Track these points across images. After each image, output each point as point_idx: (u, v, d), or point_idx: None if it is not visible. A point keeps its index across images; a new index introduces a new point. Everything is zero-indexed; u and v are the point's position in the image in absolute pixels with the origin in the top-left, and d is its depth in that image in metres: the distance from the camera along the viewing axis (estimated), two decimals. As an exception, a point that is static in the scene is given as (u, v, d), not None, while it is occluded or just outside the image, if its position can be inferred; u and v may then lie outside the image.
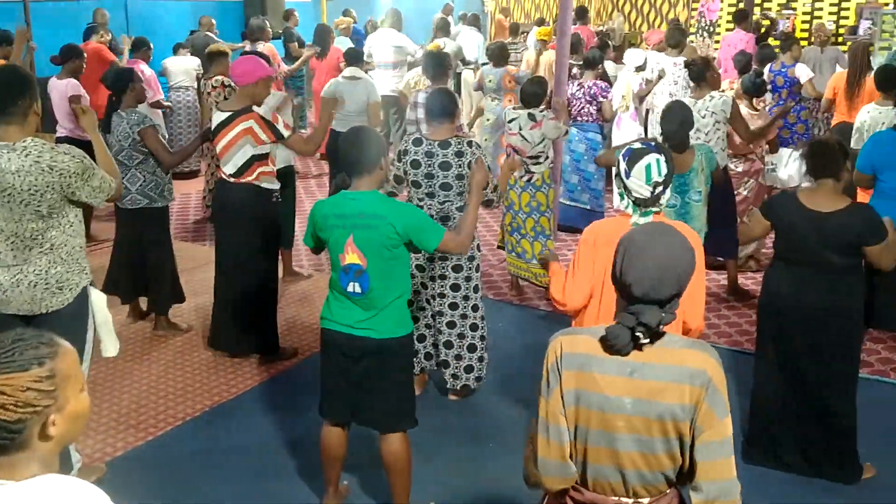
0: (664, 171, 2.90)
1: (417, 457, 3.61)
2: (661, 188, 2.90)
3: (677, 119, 4.70)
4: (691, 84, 6.49)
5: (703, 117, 5.95)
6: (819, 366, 3.84)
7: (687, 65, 6.36)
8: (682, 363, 2.02)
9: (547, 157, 5.99)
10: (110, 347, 3.68)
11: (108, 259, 5.64)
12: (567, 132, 6.25)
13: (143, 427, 4.42)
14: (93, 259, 6.70)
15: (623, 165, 2.94)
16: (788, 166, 8.12)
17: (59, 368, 1.61)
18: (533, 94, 6.00)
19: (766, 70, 8.13)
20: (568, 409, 2.10)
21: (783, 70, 8.03)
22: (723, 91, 6.85)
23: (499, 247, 6.78)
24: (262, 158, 4.79)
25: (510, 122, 5.92)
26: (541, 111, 5.91)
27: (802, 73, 8.01)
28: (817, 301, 3.76)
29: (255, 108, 4.74)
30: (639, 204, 2.94)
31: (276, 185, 4.99)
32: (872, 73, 7.49)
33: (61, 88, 6.98)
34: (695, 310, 2.95)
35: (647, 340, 2.01)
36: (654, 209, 2.95)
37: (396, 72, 9.59)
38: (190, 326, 5.62)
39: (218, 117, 4.80)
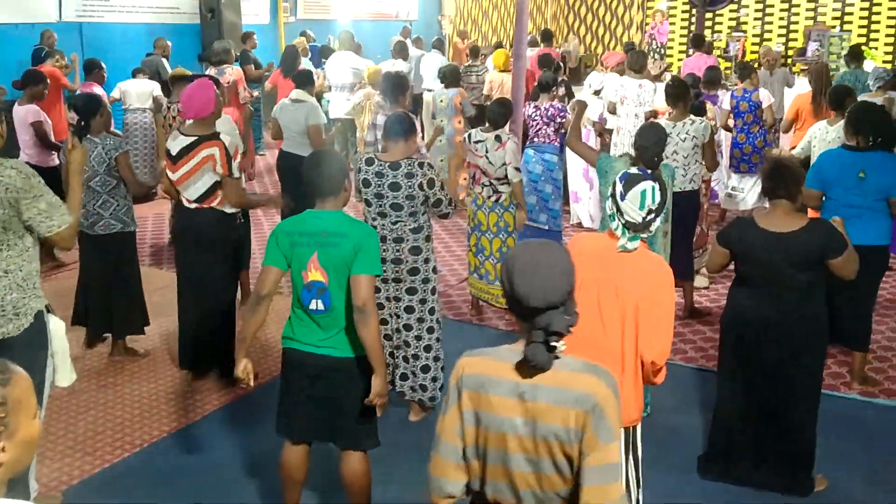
0: (658, 199, 2.99)
1: (377, 477, 3.62)
2: (653, 215, 3.00)
3: (653, 137, 4.81)
4: (668, 106, 6.51)
5: (683, 140, 6.02)
6: (785, 382, 3.90)
7: (668, 85, 6.42)
8: (570, 387, 2.05)
9: (511, 181, 6.04)
10: (65, 377, 3.62)
11: (73, 284, 5.57)
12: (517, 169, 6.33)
13: (99, 454, 4.36)
14: (57, 283, 6.69)
15: (619, 188, 3.03)
16: (754, 191, 8.30)
17: (11, 395, 1.60)
18: (500, 114, 6.06)
19: (728, 96, 8.29)
20: (468, 429, 2.17)
21: (746, 95, 8.21)
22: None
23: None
24: (221, 185, 4.80)
25: (476, 143, 5.96)
26: (507, 133, 5.98)
27: (766, 97, 8.22)
28: (785, 319, 3.82)
29: (222, 136, 4.75)
30: (629, 227, 3.00)
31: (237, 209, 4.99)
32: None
33: (21, 114, 6.91)
34: (654, 339, 2.95)
35: (563, 347, 2.05)
36: (643, 235, 3.02)
37: (354, 94, 9.63)
38: (147, 351, 5.56)
39: (181, 141, 4.78)
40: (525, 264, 2.09)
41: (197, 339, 5.04)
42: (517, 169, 5.88)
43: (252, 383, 3.46)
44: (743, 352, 3.97)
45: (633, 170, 3.11)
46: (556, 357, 2.07)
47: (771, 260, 3.80)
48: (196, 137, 4.75)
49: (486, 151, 5.88)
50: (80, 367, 5.30)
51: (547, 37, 12.35)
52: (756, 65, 10.39)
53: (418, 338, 4.61)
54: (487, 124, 6.09)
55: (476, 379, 2.15)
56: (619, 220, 3.02)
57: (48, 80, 7.39)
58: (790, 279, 3.79)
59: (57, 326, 3.56)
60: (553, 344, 2.04)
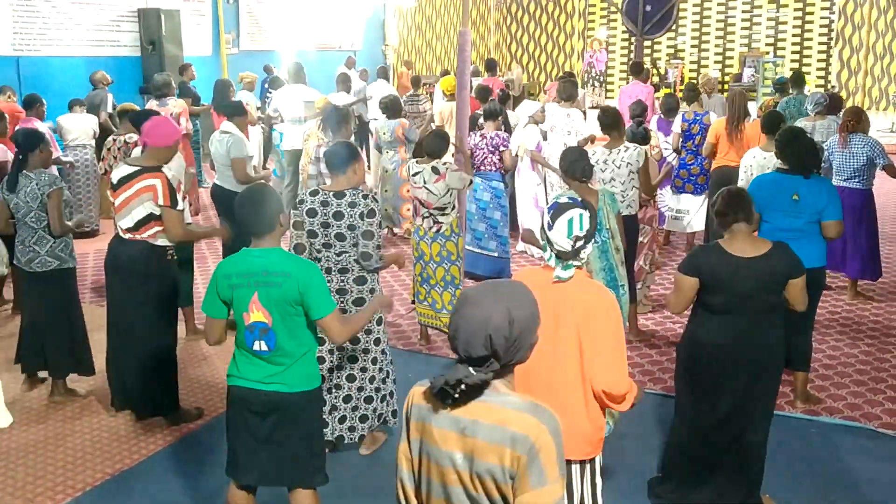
0: (586, 226, 2.97)
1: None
2: (581, 242, 2.96)
3: (574, 154, 4.89)
4: (601, 134, 6.61)
5: (619, 167, 6.10)
6: (746, 406, 3.92)
7: (601, 114, 6.53)
8: (508, 425, 2.02)
9: (454, 208, 6.08)
10: (1, 419, 3.51)
11: (15, 325, 5.44)
12: (471, 182, 6.36)
13: (39, 500, 4.21)
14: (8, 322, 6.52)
15: (547, 218, 3.01)
16: (699, 214, 8.45)
17: None
18: (436, 146, 6.11)
19: (679, 119, 8.46)
20: (415, 458, 2.18)
21: (698, 118, 8.40)
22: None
23: (412, 301, 6.82)
24: (159, 217, 4.72)
25: (414, 175, 5.99)
26: (443, 164, 6.01)
27: (714, 119, 8.42)
28: (749, 344, 3.84)
29: (164, 168, 4.69)
30: (560, 257, 3.01)
31: (168, 243, 4.89)
32: (750, 118, 7.96)
33: None
34: (600, 368, 2.91)
35: (456, 396, 2.03)
36: (576, 263, 3.01)
37: (307, 126, 9.61)
38: (88, 392, 5.42)
39: (123, 170, 4.71)
40: (459, 309, 2.10)
41: (129, 380, 4.89)
42: (468, 182, 6.06)
43: None
44: (706, 378, 3.96)
45: (563, 199, 3.07)
46: (454, 401, 2.05)
47: (741, 285, 3.81)
48: (139, 168, 4.69)
49: (425, 182, 5.91)
50: (20, 410, 5.16)
51: (490, 66, 12.53)
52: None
53: (363, 370, 4.58)
54: (425, 155, 6.13)
55: (422, 409, 2.14)
56: (551, 250, 3.03)
57: (7, 117, 7.25)
58: (758, 303, 3.83)
59: None
60: (446, 389, 2.03)
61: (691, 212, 8.58)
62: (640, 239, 6.79)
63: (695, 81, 14.47)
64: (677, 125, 8.48)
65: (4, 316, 6.96)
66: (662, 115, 8.84)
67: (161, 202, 4.66)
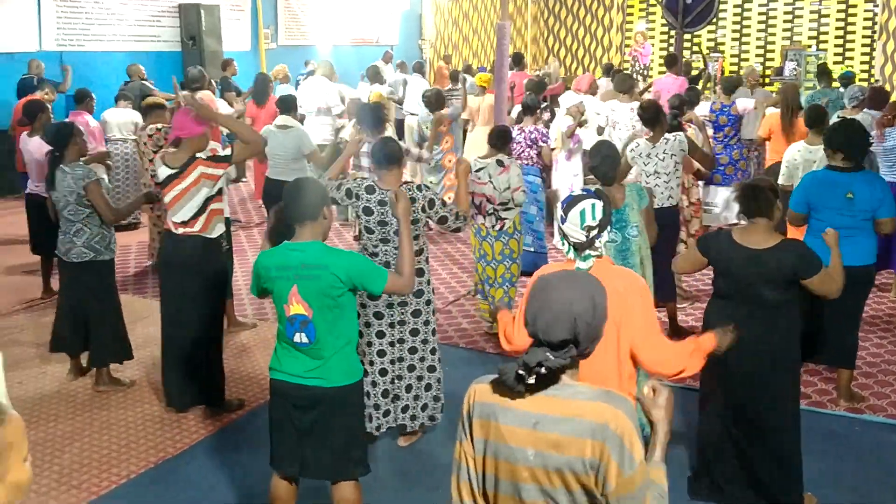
0: (598, 215, 2.97)
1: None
2: (595, 232, 2.98)
3: (601, 154, 4.86)
4: (644, 128, 6.57)
5: (663, 160, 6.06)
6: (760, 399, 3.92)
7: (641, 110, 6.48)
8: (583, 416, 2.01)
9: (517, 204, 6.08)
10: None
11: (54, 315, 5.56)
12: (525, 192, 6.40)
13: (85, 486, 4.30)
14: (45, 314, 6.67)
15: (560, 212, 3.03)
16: (730, 207, 8.36)
17: (4, 437, 1.58)
18: (500, 139, 6.14)
19: (707, 110, 8.37)
20: (478, 458, 2.15)
21: (725, 109, 8.30)
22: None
23: (475, 294, 6.90)
24: (217, 196, 4.84)
25: (478, 171, 5.98)
26: (507, 157, 6.03)
27: (744, 104, 8.30)
28: (755, 336, 3.83)
29: (198, 155, 4.76)
30: (576, 248, 3.01)
31: (224, 228, 5.00)
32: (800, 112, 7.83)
33: (34, 146, 6.84)
34: (650, 352, 2.99)
35: (531, 381, 2.01)
36: (593, 253, 3.02)
37: (328, 119, 9.68)
38: (132, 381, 5.52)
39: (164, 172, 4.77)
40: (540, 294, 2.09)
41: (183, 373, 4.99)
42: (523, 191, 6.06)
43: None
44: (719, 370, 3.96)
45: (577, 191, 3.12)
46: (528, 386, 2.03)
47: (744, 275, 3.84)
48: (178, 168, 4.74)
49: (490, 177, 5.91)
50: (65, 398, 5.27)
51: (518, 60, 12.46)
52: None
53: (422, 359, 4.62)
54: (486, 151, 6.15)
55: (486, 407, 2.12)
56: (567, 242, 3.04)
57: (49, 109, 7.39)
58: (762, 296, 3.83)
59: None
60: (521, 373, 2.02)
61: (720, 204, 8.47)
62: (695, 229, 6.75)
63: (733, 74, 14.30)
64: (702, 114, 8.38)
65: (48, 306, 7.09)
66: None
67: (221, 172, 4.77)
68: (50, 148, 6.71)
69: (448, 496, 3.70)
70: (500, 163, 5.96)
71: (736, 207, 7.59)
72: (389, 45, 17.73)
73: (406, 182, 4.46)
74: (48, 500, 4.18)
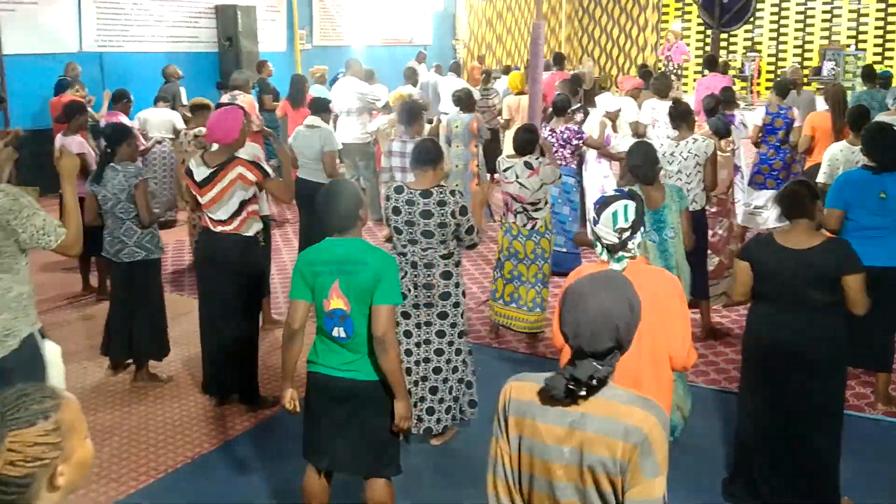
0: (631, 216, 2.97)
1: (400, 503, 3.62)
2: (627, 234, 2.97)
3: (641, 153, 4.85)
4: (672, 126, 6.54)
5: (686, 159, 6.03)
6: (804, 403, 3.86)
7: (671, 108, 6.46)
8: (619, 418, 2.03)
9: (546, 203, 6.05)
10: None
11: (97, 311, 5.67)
12: (560, 175, 6.35)
13: (124, 480, 4.38)
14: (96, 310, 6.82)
15: (592, 213, 3.04)
16: (773, 209, 8.25)
17: (64, 419, 1.64)
18: (527, 141, 6.08)
19: (763, 113, 8.27)
20: (513, 454, 2.17)
21: (782, 112, 8.18)
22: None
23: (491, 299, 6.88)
24: (252, 198, 4.90)
25: (505, 170, 5.95)
26: (536, 158, 5.98)
27: (798, 117, 8.20)
28: (800, 339, 3.79)
29: (237, 154, 4.82)
30: (609, 250, 3.01)
31: (261, 226, 5.07)
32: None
33: (67, 144, 6.97)
34: (675, 344, 3.01)
35: (583, 393, 2.04)
36: (627, 255, 3.01)
37: (360, 118, 9.75)
38: (170, 377, 5.60)
39: (202, 172, 4.83)
40: (578, 304, 2.08)
41: (221, 366, 5.08)
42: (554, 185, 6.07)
43: (299, 409, 3.51)
44: (762, 373, 3.94)
45: (610, 192, 3.11)
46: (579, 395, 2.05)
47: (786, 277, 3.79)
48: (216, 168, 4.80)
49: (517, 177, 5.89)
50: (104, 393, 5.37)
51: (558, 60, 12.46)
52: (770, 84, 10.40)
53: (448, 361, 4.64)
54: (513, 151, 6.10)
55: (522, 405, 2.14)
56: (600, 244, 3.03)
57: (88, 110, 7.52)
58: (806, 297, 3.77)
59: (52, 351, 3.57)
60: (571, 387, 2.03)
61: (770, 207, 8.37)
62: (719, 231, 6.69)
63: (780, 74, 14.10)
64: (759, 118, 8.28)
65: (87, 303, 7.22)
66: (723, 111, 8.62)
67: (255, 179, 4.80)
68: (81, 151, 6.88)
69: (483, 493, 3.72)
70: (528, 165, 5.89)
71: (777, 211, 7.54)
72: (423, 45, 17.78)
73: (440, 185, 4.48)
74: (88, 492, 4.26)
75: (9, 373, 3.29)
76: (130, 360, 5.62)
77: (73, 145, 6.92)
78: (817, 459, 3.93)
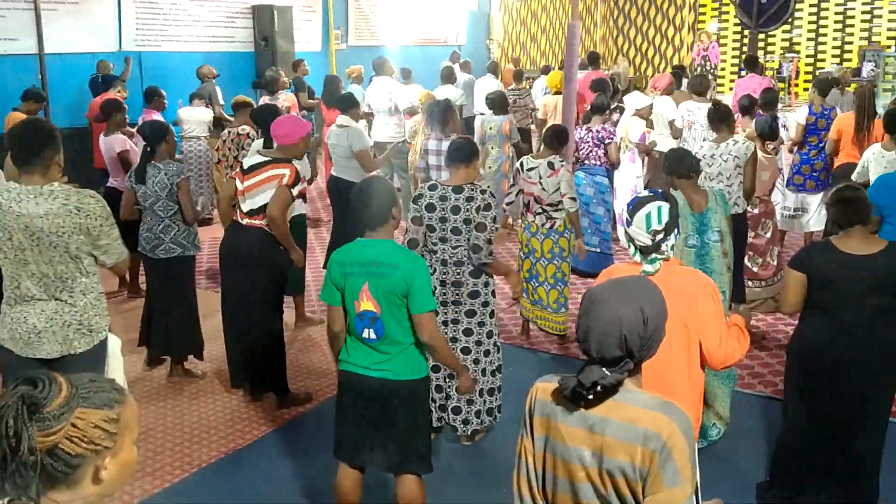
0: (665, 218, 2.94)
1: (431, 502, 3.63)
2: (661, 236, 2.94)
3: (679, 152, 4.83)
4: (711, 128, 6.45)
5: (726, 161, 5.95)
6: (858, 410, 3.81)
7: (711, 110, 6.38)
8: (639, 423, 2.01)
9: (567, 210, 6.02)
10: None
11: (133, 306, 5.76)
12: (574, 199, 6.33)
13: (159, 474, 4.44)
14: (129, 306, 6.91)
15: (626, 215, 3.01)
16: (820, 212, 8.11)
17: (125, 416, 1.67)
18: (556, 140, 6.08)
19: (806, 111, 8.14)
20: (538, 454, 2.17)
21: (826, 112, 8.06)
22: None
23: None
24: None
25: (529, 171, 5.95)
26: (560, 160, 5.97)
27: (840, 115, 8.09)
28: (861, 346, 3.72)
29: (294, 161, 4.89)
30: (642, 252, 2.99)
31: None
32: (878, 115, 7.59)
33: (109, 144, 7.11)
34: (711, 341, 2.98)
35: (590, 397, 2.02)
36: (660, 257, 2.99)
37: (394, 118, 9.78)
38: (204, 373, 5.67)
39: (255, 158, 4.92)
40: (589, 311, 2.08)
41: (243, 359, 5.13)
42: (573, 199, 5.89)
43: None
44: (814, 380, 3.86)
45: (643, 192, 3.08)
46: (588, 402, 2.04)
47: (851, 283, 3.69)
48: (270, 158, 4.91)
49: (540, 178, 5.89)
50: (141, 388, 5.44)
51: (594, 59, 12.41)
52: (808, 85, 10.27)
53: (476, 361, 4.63)
54: (541, 149, 6.10)
55: (547, 406, 2.15)
56: (633, 246, 3.01)
57: (125, 108, 7.63)
58: (869, 303, 3.70)
59: (113, 343, 3.71)
60: (578, 391, 2.03)
61: (810, 210, 8.22)
62: (762, 233, 6.62)
63: (820, 74, 13.93)
64: (802, 117, 8.14)
65: (122, 300, 7.32)
66: (760, 110, 8.51)
67: (283, 182, 4.83)
68: (123, 148, 6.98)
69: (506, 496, 3.72)
70: (550, 165, 5.88)
71: (823, 214, 7.43)
72: (457, 45, 17.79)
73: (472, 182, 4.49)
74: (125, 485, 4.32)
75: (80, 364, 3.43)
76: (165, 357, 5.70)
77: (116, 144, 7.04)
78: (861, 465, 3.88)
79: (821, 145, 8.05)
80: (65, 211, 3.35)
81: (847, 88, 10.76)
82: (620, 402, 2.06)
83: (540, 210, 5.96)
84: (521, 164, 6.08)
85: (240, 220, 4.98)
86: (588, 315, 2.08)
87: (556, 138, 6.10)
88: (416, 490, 3.54)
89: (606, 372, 2.02)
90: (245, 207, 4.93)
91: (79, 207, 3.38)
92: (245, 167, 4.95)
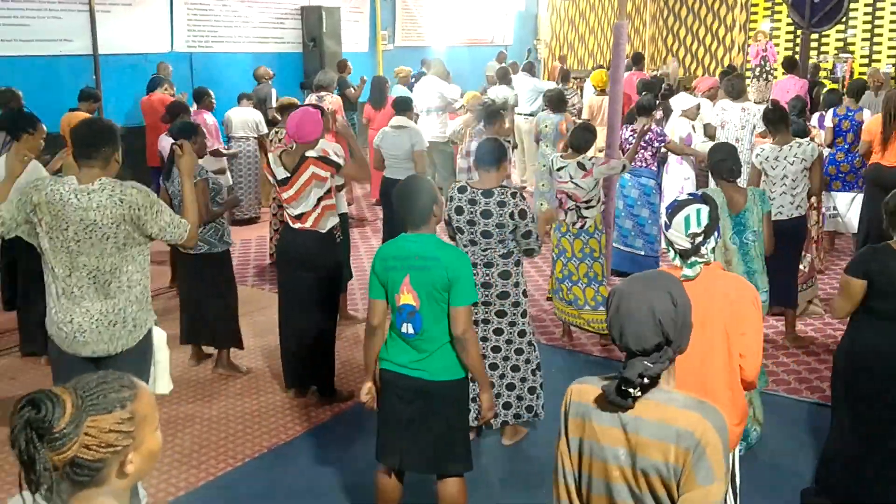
0: (704, 221, 2.92)
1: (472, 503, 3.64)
2: (700, 239, 2.92)
3: (724, 151, 4.77)
4: (769, 130, 6.34)
5: (792, 164, 5.83)
6: None
7: (767, 111, 6.27)
8: (673, 422, 2.02)
9: (599, 201, 6.01)
10: (163, 385, 3.82)
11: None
12: (625, 166, 6.31)
13: (204, 467, 4.52)
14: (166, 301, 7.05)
15: (664, 218, 3.00)
16: (851, 211, 8.02)
17: (138, 410, 1.70)
18: (584, 139, 6.05)
19: (830, 114, 8.06)
20: (573, 456, 2.18)
21: (850, 114, 7.96)
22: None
23: (548, 298, 6.83)
24: (326, 194, 5.00)
25: (559, 170, 5.94)
26: (590, 159, 5.94)
27: (867, 118, 7.96)
28: None
29: (308, 153, 4.92)
30: (682, 255, 2.97)
31: (337, 219, 5.17)
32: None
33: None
34: (749, 350, 2.95)
35: (638, 394, 2.02)
36: (700, 260, 2.96)
37: (440, 117, 9.82)
38: (249, 369, 5.75)
39: (281, 172, 4.96)
40: (620, 305, 2.09)
41: (301, 359, 5.21)
42: (622, 165, 6.09)
43: (375, 406, 3.59)
44: (863, 387, 3.79)
45: (682, 196, 3.05)
46: (635, 398, 2.04)
47: None
48: (293, 168, 4.92)
49: (571, 177, 5.86)
50: (186, 382, 5.54)
51: (637, 60, 12.32)
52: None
53: (506, 358, 4.64)
54: (569, 150, 6.08)
55: (581, 407, 2.15)
56: (673, 249, 2.99)
57: (191, 110, 7.78)
58: None
59: (159, 336, 3.77)
60: (624, 389, 2.03)
61: (841, 210, 8.13)
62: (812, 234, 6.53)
63: (863, 77, 13.65)
64: (829, 120, 8.06)
65: (171, 295, 7.45)
66: (823, 112, 8.43)
67: (328, 175, 4.91)
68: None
69: (549, 496, 3.71)
70: (581, 166, 5.83)
71: (855, 214, 7.28)
72: (504, 45, 17.76)
73: (503, 186, 4.48)
74: (169, 478, 4.41)
75: (128, 358, 3.53)
76: (210, 353, 5.79)
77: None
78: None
79: (846, 146, 7.95)
80: (111, 203, 3.46)
81: (882, 91, 10.50)
82: (654, 402, 2.06)
83: (573, 207, 5.93)
84: (552, 163, 6.07)
85: (291, 225, 5.04)
86: (619, 310, 2.08)
87: (583, 138, 6.04)
88: (456, 491, 3.55)
89: (649, 364, 2.03)
90: (297, 212, 4.99)
91: (122, 199, 3.47)
92: (279, 179, 4.97)
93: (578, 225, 5.95)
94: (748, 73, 15.33)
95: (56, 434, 1.59)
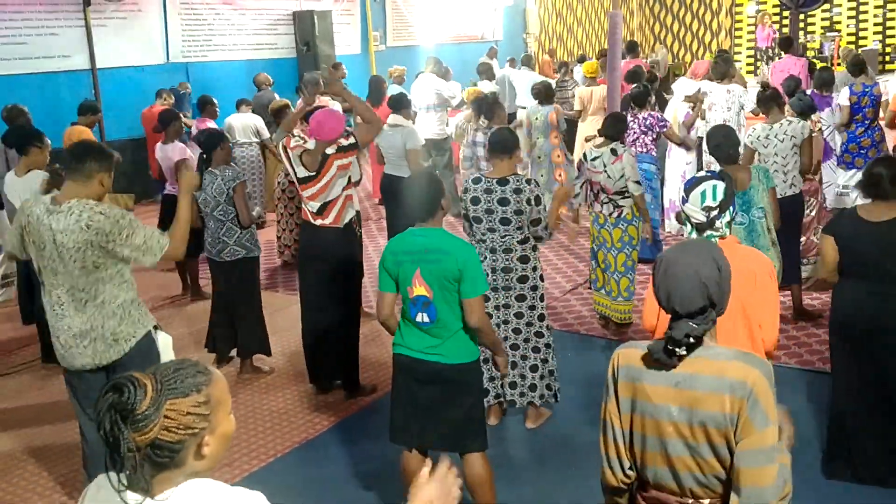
0: (719, 196, 3.05)
1: (500, 485, 3.75)
2: (715, 212, 3.04)
3: (721, 135, 4.89)
4: (760, 109, 6.48)
5: (782, 141, 5.99)
6: (890, 376, 3.90)
7: (759, 94, 6.42)
8: (724, 374, 2.15)
9: (631, 194, 6.08)
10: None
11: (196, 310, 5.93)
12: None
13: (237, 465, 4.63)
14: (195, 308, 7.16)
15: (682, 193, 3.14)
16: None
17: (214, 394, 1.81)
18: (616, 129, 6.11)
19: (846, 92, 8.10)
20: (624, 416, 2.31)
21: (867, 90, 8.01)
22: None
23: (589, 286, 6.87)
24: (348, 184, 5.14)
25: (593, 160, 5.99)
26: (622, 146, 6.02)
27: (892, 88, 8.04)
28: (882, 314, 3.84)
29: (328, 150, 5.02)
30: (698, 228, 3.09)
31: (354, 211, 5.28)
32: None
33: (168, 152, 7.35)
34: (767, 321, 3.07)
35: (683, 353, 2.17)
36: (715, 234, 3.08)
37: (438, 115, 9.92)
38: (272, 369, 5.86)
39: (302, 172, 5.06)
40: (668, 269, 2.23)
41: (326, 355, 5.31)
42: (637, 182, 5.94)
43: None
44: (850, 349, 3.99)
45: (701, 173, 3.19)
46: (680, 357, 2.17)
47: (867, 250, 3.85)
48: (315, 171, 5.02)
49: (605, 166, 5.95)
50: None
51: (632, 48, 12.44)
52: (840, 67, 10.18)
53: (526, 340, 4.77)
54: (602, 139, 6.14)
55: (631, 370, 2.28)
56: (689, 223, 3.12)
57: (182, 117, 7.86)
58: (882, 269, 3.83)
59: (164, 341, 3.81)
60: (670, 347, 2.16)
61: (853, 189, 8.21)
62: (808, 212, 6.63)
63: (844, 56, 13.78)
64: (845, 98, 8.07)
65: (185, 302, 7.56)
66: (816, 90, 8.50)
67: (351, 160, 5.07)
68: (182, 157, 7.20)
69: (578, 477, 3.84)
70: (613, 151, 5.94)
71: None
72: (494, 41, 17.87)
73: (516, 174, 4.61)
74: (205, 476, 4.50)
75: (126, 365, 3.53)
76: (233, 354, 5.89)
77: (175, 152, 7.27)
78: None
79: (867, 122, 8.02)
80: (77, 227, 3.43)
81: (889, 66, 10.65)
82: (703, 357, 2.20)
83: (607, 199, 6.01)
84: (585, 155, 6.15)
85: (312, 222, 5.15)
86: (666, 275, 2.22)
87: (614, 127, 6.12)
88: (481, 467, 3.65)
89: (694, 325, 2.16)
90: (317, 206, 5.10)
91: (88, 224, 3.42)
92: (300, 177, 5.08)
93: (616, 214, 6.00)
94: (750, 56, 15.40)
95: (138, 416, 1.68)
